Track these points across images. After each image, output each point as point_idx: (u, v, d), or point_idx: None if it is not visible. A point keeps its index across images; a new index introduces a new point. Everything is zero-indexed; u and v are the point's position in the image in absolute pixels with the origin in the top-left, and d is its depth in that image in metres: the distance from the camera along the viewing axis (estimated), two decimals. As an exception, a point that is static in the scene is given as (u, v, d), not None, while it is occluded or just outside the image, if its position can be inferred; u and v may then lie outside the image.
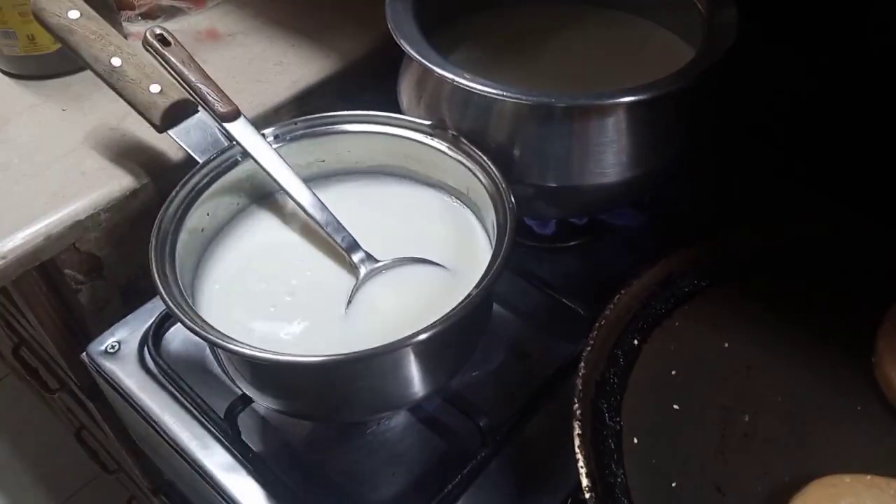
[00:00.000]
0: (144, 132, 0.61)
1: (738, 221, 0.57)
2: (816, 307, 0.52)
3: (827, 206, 0.60)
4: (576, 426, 0.45)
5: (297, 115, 0.55)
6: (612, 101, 0.50)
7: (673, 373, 0.49)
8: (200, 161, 0.50)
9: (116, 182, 0.58)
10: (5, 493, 1.33)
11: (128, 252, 0.61)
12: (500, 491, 0.48)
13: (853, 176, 0.61)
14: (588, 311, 0.54)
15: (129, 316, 0.58)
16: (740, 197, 0.64)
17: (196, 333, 0.41)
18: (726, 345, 0.51)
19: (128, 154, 0.60)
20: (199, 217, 0.49)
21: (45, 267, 0.58)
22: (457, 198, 0.53)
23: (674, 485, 0.44)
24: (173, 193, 0.48)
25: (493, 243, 0.49)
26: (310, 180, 0.53)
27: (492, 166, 0.49)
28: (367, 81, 0.70)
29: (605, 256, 0.63)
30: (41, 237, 0.54)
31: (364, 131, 0.53)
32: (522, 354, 0.56)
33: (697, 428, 0.47)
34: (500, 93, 0.49)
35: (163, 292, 0.42)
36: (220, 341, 0.40)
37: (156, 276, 0.43)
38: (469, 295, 0.42)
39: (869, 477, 0.43)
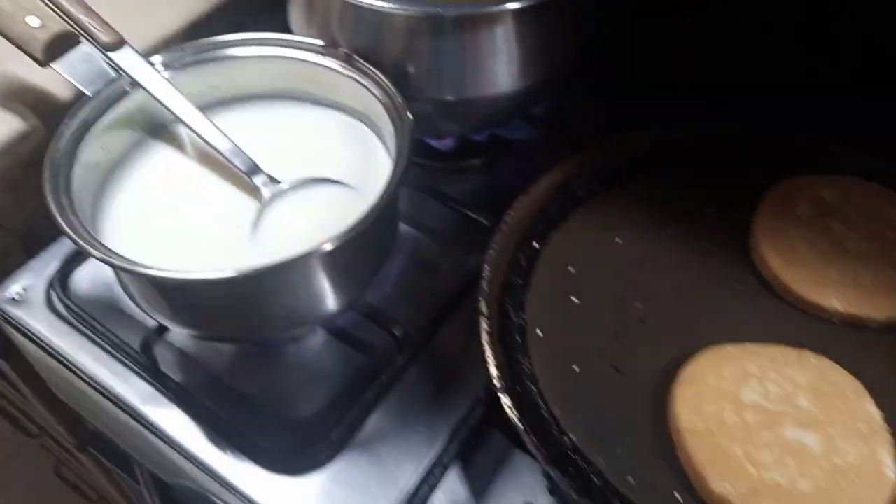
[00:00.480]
0: (26, 71, 0.58)
1: (625, 127, 0.60)
2: (700, 202, 0.56)
3: (707, 109, 0.63)
4: (482, 322, 0.47)
5: (188, 45, 0.54)
6: (498, 8, 0.51)
7: (571, 270, 0.52)
8: (89, 93, 0.49)
9: (4, 125, 0.56)
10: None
11: (22, 198, 0.59)
12: (417, 396, 0.51)
13: (721, 80, 0.65)
14: (492, 221, 0.56)
15: (31, 262, 0.57)
16: (627, 103, 0.66)
17: (105, 261, 0.41)
18: (619, 241, 0.54)
19: (11, 96, 0.58)
20: (92, 151, 0.48)
21: (-67, 220, 0.56)
22: (355, 117, 0.54)
23: (576, 369, 0.48)
24: (62, 126, 0.47)
25: (394, 160, 0.50)
26: (205, 108, 0.52)
27: (386, 82, 0.50)
28: (259, 11, 0.69)
29: (505, 171, 0.65)
30: (-74, 187, 0.52)
31: (256, 55, 0.53)
32: (433, 269, 0.58)
33: (595, 317, 0.50)
34: (390, 7, 0.50)
35: (63, 225, 0.42)
36: (132, 267, 0.41)
37: (54, 209, 0.42)
38: (372, 206, 0.43)
39: (748, 345, 0.47)
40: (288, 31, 0.58)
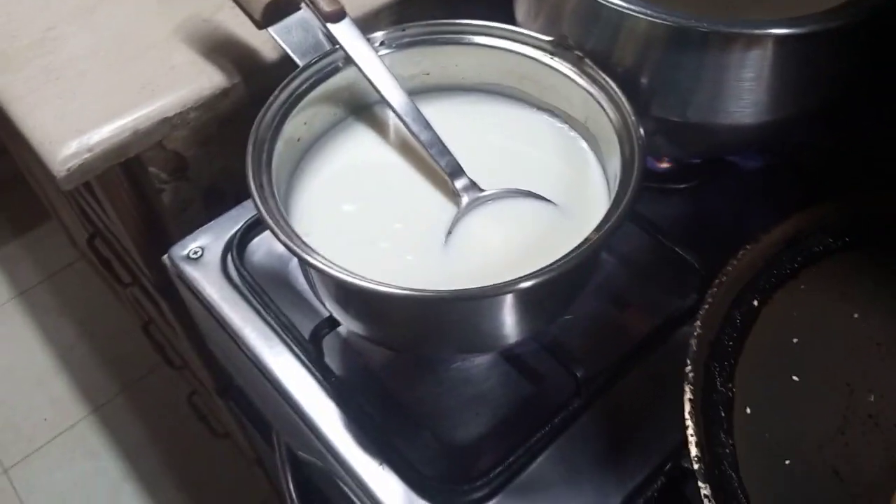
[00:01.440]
0: (238, 27, 0.57)
1: (876, 181, 0.51)
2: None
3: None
4: (687, 390, 0.41)
5: (398, 19, 0.50)
6: (760, 31, 0.44)
7: (794, 340, 0.45)
8: (300, 64, 0.46)
9: (206, 79, 0.54)
10: (72, 372, 1.38)
11: (213, 153, 0.59)
12: (588, 446, 0.46)
13: None
14: (702, 263, 0.49)
15: (213, 222, 0.56)
16: (878, 154, 0.57)
17: (293, 251, 0.38)
18: (856, 315, 0.46)
19: (219, 50, 0.56)
20: (296, 126, 0.46)
21: (128, 163, 0.56)
22: (572, 126, 0.49)
23: (787, 463, 0.41)
24: (272, 98, 0.44)
25: (611, 182, 0.45)
26: (414, 94, 0.48)
27: (620, 94, 0.44)
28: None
29: (719, 201, 0.57)
30: (128, 132, 0.52)
31: (477, 43, 0.48)
32: (622, 303, 0.52)
33: (817, 403, 0.43)
34: (637, 9, 0.44)
35: (259, 204, 0.39)
36: (317, 262, 0.38)
37: (252, 186, 0.40)
38: (587, 240, 0.38)
39: None
40: (504, 13, 0.53)
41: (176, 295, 0.68)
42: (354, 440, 0.46)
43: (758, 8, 0.47)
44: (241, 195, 0.57)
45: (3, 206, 1.25)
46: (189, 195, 0.60)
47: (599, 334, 0.50)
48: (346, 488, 0.50)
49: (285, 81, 0.45)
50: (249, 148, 0.42)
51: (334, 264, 0.38)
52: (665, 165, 0.56)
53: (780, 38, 0.44)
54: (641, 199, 0.55)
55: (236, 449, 1.07)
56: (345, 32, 0.46)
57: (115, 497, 1.22)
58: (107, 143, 0.51)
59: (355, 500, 0.49)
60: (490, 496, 0.43)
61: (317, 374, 0.48)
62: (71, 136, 0.50)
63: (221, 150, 0.59)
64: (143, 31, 0.58)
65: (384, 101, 0.46)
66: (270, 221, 0.38)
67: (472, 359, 0.50)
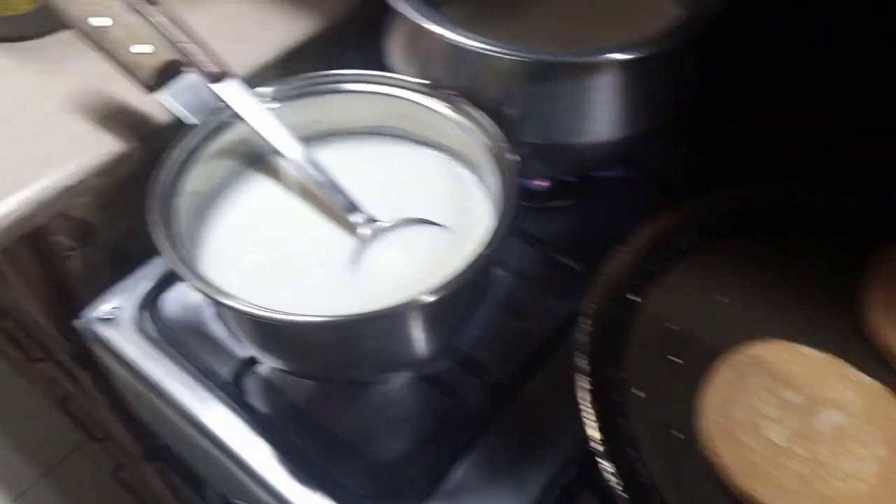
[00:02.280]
0: (128, 94, 0.59)
1: (727, 179, 0.57)
2: (806, 261, 0.53)
3: (811, 161, 0.61)
4: (581, 380, 0.46)
5: (282, 74, 0.54)
6: (608, 58, 0.50)
7: (671, 327, 0.50)
8: (193, 123, 0.49)
9: (104, 146, 0.56)
10: (-13, 463, 1.32)
11: (116, 216, 0.60)
12: (506, 447, 0.49)
13: (833, 130, 0.62)
14: (584, 267, 0.55)
15: (122, 282, 0.57)
16: (730, 153, 0.64)
17: (206, 294, 0.40)
18: (722, 299, 0.52)
19: (113, 117, 0.58)
20: (195, 179, 0.48)
21: (33, 234, 0.57)
22: (454, 157, 0.53)
23: (679, 435, 0.46)
24: (166, 155, 0.47)
25: (494, 203, 0.49)
26: (305, 142, 0.52)
27: (491, 125, 0.49)
28: (349, 42, 0.69)
29: (596, 214, 0.63)
30: (33, 203, 0.53)
31: (361, 91, 0.52)
32: (521, 313, 0.56)
33: (697, 379, 0.48)
34: (497, 50, 0.49)
35: (168, 255, 0.42)
36: (231, 302, 0.40)
37: (158, 239, 0.42)
38: (478, 255, 0.42)
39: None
40: (381, 61, 0.58)
41: (94, 363, 0.69)
42: (288, 473, 0.48)
43: (600, 36, 0.53)
44: (148, 254, 0.58)
45: None
46: (96, 259, 0.61)
47: (505, 345, 0.54)
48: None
49: (178, 140, 0.48)
50: (151, 203, 0.44)
51: (247, 301, 0.40)
52: (544, 184, 0.61)
53: (622, 63, 0.50)
54: (529, 219, 0.61)
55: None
56: (232, 91, 0.49)
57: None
58: (12, 216, 0.52)
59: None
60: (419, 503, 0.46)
61: (243, 414, 0.50)
62: (-29, 214, 0.51)
63: (124, 213, 0.60)
64: (33, 107, 0.59)
65: (276, 151, 0.49)
66: (181, 269, 0.41)
67: (391, 382, 0.53)
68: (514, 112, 0.52)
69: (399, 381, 0.53)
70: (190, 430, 0.53)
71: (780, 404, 0.44)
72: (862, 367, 0.47)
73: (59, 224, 0.57)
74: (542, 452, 0.49)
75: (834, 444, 0.42)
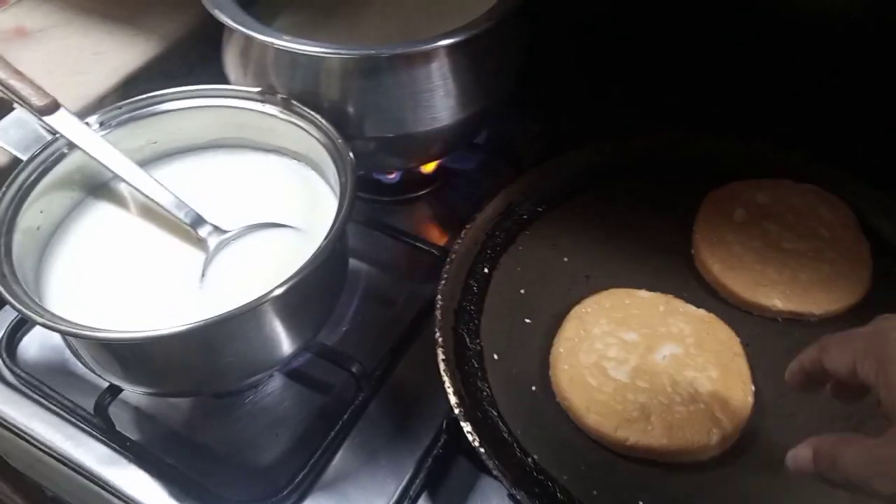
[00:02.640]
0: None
1: (564, 147, 0.61)
2: (642, 213, 0.58)
3: (638, 121, 0.65)
4: (439, 352, 0.48)
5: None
6: (431, 45, 0.52)
7: (522, 291, 0.53)
8: (24, 158, 0.49)
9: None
10: None
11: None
12: (380, 431, 0.51)
13: (657, 89, 0.67)
14: (441, 250, 0.57)
15: (-25, 333, 0.55)
16: (565, 124, 0.68)
17: (51, 328, 0.40)
18: (566, 259, 0.55)
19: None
20: (32, 216, 0.48)
21: None
22: (297, 160, 0.55)
23: (534, 389, 0.48)
24: (0, 193, 0.46)
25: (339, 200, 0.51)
26: (145, 163, 0.52)
27: (325, 123, 0.50)
28: (194, 62, 0.69)
29: (453, 200, 0.66)
30: None
31: (192, 106, 0.53)
32: (388, 302, 0.58)
33: (549, 336, 0.51)
34: (325, 51, 0.51)
35: (6, 294, 0.41)
36: (77, 331, 0.40)
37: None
38: (319, 248, 0.44)
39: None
40: (224, 80, 0.58)
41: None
42: (165, 492, 0.48)
43: (429, 27, 0.55)
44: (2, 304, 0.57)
45: None
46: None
47: (373, 333, 0.56)
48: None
49: (11, 177, 0.47)
50: (-14, 245, 0.43)
51: (95, 328, 0.40)
52: (391, 176, 0.63)
53: (447, 48, 0.53)
54: (388, 212, 0.63)
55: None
56: (62, 122, 0.49)
57: None
58: None
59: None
60: (301, 498, 0.47)
61: (112, 444, 0.50)
62: None
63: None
64: None
65: (113, 174, 0.49)
66: (13, 300, 0.40)
67: (263, 389, 0.54)
68: (351, 109, 0.54)
69: (271, 385, 0.54)
70: (65, 471, 0.52)
71: (621, 345, 0.48)
72: (695, 301, 0.52)
73: None
74: (415, 429, 0.51)
75: (671, 373, 0.46)
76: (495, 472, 0.42)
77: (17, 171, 0.48)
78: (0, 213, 0.46)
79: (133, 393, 0.51)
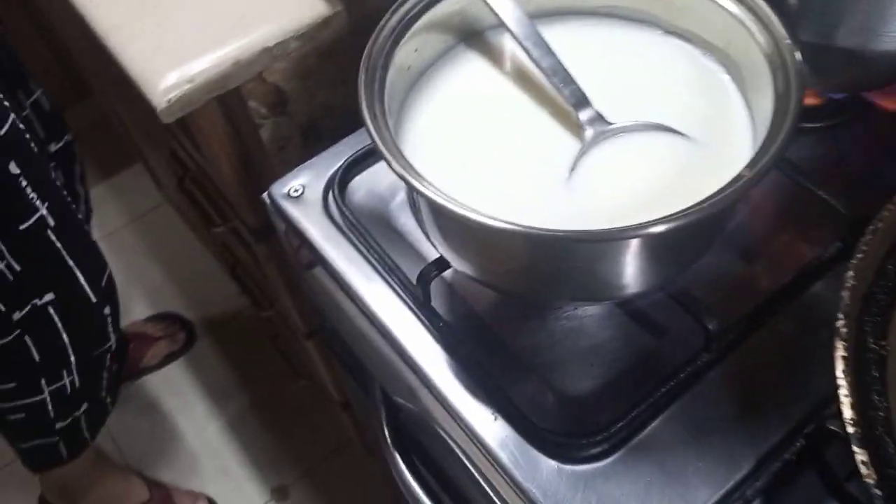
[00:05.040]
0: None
1: None
2: None
3: None
4: (839, 346, 0.37)
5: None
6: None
7: (961, 296, 0.40)
8: (409, -15, 0.43)
9: (307, 7, 0.52)
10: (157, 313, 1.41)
11: (312, 88, 0.56)
12: (717, 404, 0.42)
13: None
14: (848, 208, 0.45)
15: (313, 159, 0.54)
16: None
17: (409, 183, 0.35)
18: None
19: (318, -23, 0.53)
20: (406, 53, 0.43)
21: (226, 98, 0.54)
22: (710, 54, 0.44)
23: (954, 431, 0.36)
24: (382, 22, 0.41)
25: (756, 117, 0.40)
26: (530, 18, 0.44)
27: (772, 16, 0.39)
28: None
29: (861, 143, 0.52)
30: (229, 62, 0.50)
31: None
32: (752, 254, 0.48)
33: None
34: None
35: (374, 133, 0.37)
36: (433, 196, 0.35)
37: (366, 114, 0.37)
38: (738, 178, 0.34)
39: None
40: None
41: (271, 236, 0.67)
42: (466, 390, 0.44)
43: None
44: (340, 133, 0.54)
45: (85, 151, 1.27)
46: (288, 132, 0.58)
47: (728, 286, 0.46)
48: (448, 439, 0.48)
49: (395, 5, 0.42)
50: (362, 75, 0.39)
51: (451, 198, 0.35)
52: (814, 101, 0.50)
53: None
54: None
55: (321, 392, 1.07)
56: (457, -49, 0.42)
57: (201, 433, 1.26)
58: (207, 74, 0.49)
59: (457, 450, 0.48)
60: (610, 452, 0.41)
61: (424, 319, 0.46)
62: (171, 67, 0.49)
63: (321, 86, 0.57)
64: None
65: (501, 25, 0.42)
66: (385, 151, 0.36)
67: (586, 308, 0.47)
68: (793, 2, 0.41)
69: (594, 308, 0.47)
70: (365, 325, 0.50)
71: None
72: None
73: (254, 89, 0.54)
74: (763, 419, 0.41)
75: None
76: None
77: (399, 2, 0.43)
78: (380, 43, 0.41)
79: (457, 272, 0.46)
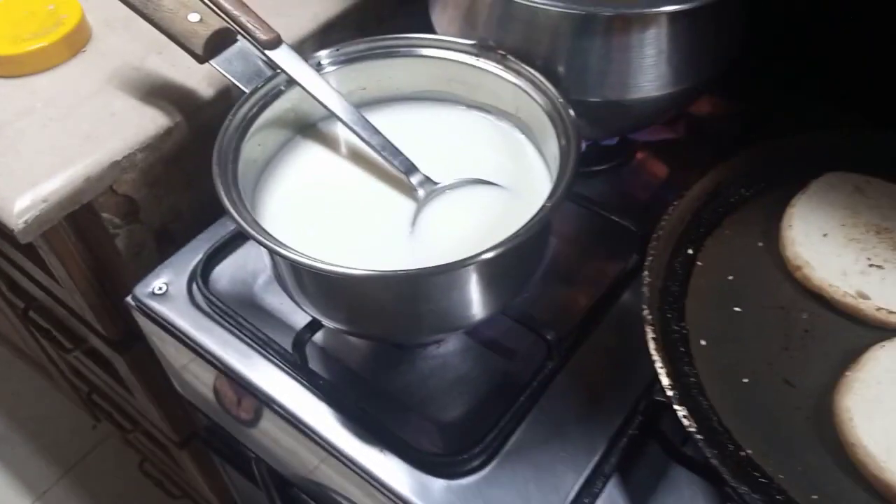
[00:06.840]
0: (170, 70, 0.59)
1: (766, 130, 0.58)
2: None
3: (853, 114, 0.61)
4: (649, 330, 0.46)
5: (319, 48, 0.53)
6: (655, 10, 0.50)
7: (729, 278, 0.51)
8: (246, 91, 0.49)
9: (149, 121, 0.56)
10: (5, 466, 1.31)
11: (161, 194, 0.60)
12: (568, 401, 0.49)
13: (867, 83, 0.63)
14: (637, 226, 0.55)
15: (171, 259, 0.57)
16: (765, 106, 0.65)
17: (275, 251, 0.40)
18: (777, 248, 0.52)
19: (156, 93, 0.58)
20: (252, 147, 0.48)
21: (76, 214, 0.56)
22: (504, 119, 0.53)
23: (745, 381, 0.46)
24: (226, 123, 0.47)
25: (550, 163, 0.49)
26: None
27: (546, 83, 0.49)
28: (387, 13, 0.69)
29: (635, 177, 0.63)
30: (80, 179, 0.53)
31: (407, 55, 0.52)
32: (574, 274, 0.56)
33: (760, 328, 0.48)
34: (547, 4, 0.49)
35: (234, 213, 0.42)
36: (301, 258, 0.40)
37: (224, 198, 0.42)
38: (541, 209, 0.42)
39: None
40: (427, 27, 0.57)
41: (133, 347, 0.68)
42: (354, 435, 0.48)
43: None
44: (191, 234, 0.58)
45: None
46: (142, 238, 0.61)
47: (559, 305, 0.54)
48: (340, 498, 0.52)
49: (236, 106, 0.48)
50: (215, 168, 0.44)
51: (314, 257, 0.40)
52: (584, 146, 0.61)
53: (671, 16, 0.50)
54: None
55: (200, 506, 1.04)
56: (284, 57, 0.49)
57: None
58: (61, 193, 0.52)
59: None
60: (488, 461, 0.46)
61: (304, 381, 0.50)
62: (23, 190, 0.51)
63: (169, 190, 0.60)
64: (73, 88, 0.59)
65: (332, 115, 0.49)
66: (247, 227, 0.41)
67: (445, 346, 0.53)
68: (565, 69, 0.52)
69: (453, 345, 0.53)
70: (250, 402, 0.53)
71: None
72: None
73: (106, 201, 0.57)
74: (606, 406, 0.49)
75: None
76: (714, 463, 0.40)
77: (241, 101, 0.49)
78: (227, 140, 0.46)
79: (322, 335, 0.51)
